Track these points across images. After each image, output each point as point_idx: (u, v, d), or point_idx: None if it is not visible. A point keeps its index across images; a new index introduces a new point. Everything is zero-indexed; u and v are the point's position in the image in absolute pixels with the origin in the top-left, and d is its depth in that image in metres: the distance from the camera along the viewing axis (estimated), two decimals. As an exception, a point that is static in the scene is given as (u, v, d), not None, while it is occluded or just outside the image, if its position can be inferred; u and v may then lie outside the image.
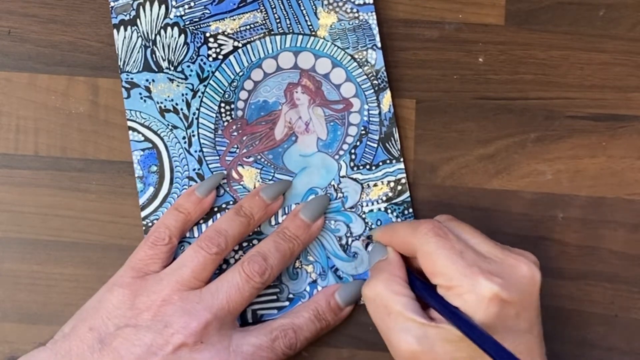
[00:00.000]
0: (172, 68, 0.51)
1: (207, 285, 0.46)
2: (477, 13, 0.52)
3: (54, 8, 0.52)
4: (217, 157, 0.51)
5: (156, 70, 0.51)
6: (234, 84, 0.51)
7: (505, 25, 0.52)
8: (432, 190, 0.51)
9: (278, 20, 0.51)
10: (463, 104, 0.51)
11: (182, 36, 0.51)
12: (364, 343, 0.50)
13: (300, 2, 0.51)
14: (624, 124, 0.51)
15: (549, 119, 0.51)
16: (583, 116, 0.51)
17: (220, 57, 0.51)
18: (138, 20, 0.51)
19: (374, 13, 0.51)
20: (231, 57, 0.51)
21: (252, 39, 0.51)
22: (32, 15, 0.52)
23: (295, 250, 0.48)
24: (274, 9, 0.51)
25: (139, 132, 0.51)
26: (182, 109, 0.51)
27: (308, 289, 0.50)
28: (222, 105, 0.51)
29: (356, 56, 0.51)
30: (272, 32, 0.51)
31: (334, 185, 0.51)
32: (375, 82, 0.51)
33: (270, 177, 0.51)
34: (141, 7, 0.51)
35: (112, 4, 0.51)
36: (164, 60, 0.51)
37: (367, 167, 0.51)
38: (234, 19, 0.51)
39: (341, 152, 0.51)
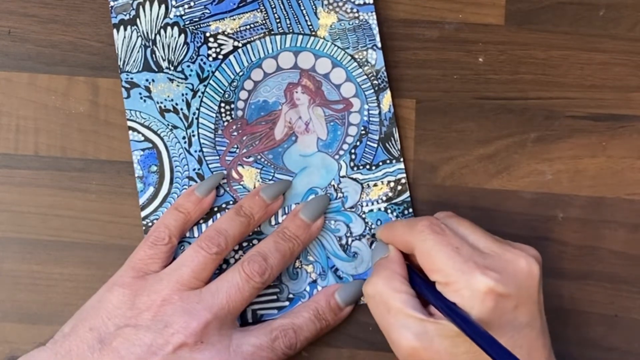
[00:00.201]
0: (172, 68, 0.51)
1: (207, 285, 0.46)
2: (477, 13, 0.52)
3: (54, 8, 0.52)
4: (217, 157, 0.51)
5: (156, 70, 0.51)
6: (234, 83, 0.51)
7: (505, 25, 0.52)
8: (432, 190, 0.51)
9: (278, 20, 0.51)
10: (463, 104, 0.51)
11: (182, 36, 0.51)
12: (364, 343, 0.50)
13: (300, 2, 0.51)
14: (624, 124, 0.51)
15: (549, 119, 0.51)
16: (583, 116, 0.51)
17: (220, 57, 0.51)
18: (138, 20, 0.51)
19: (374, 13, 0.51)
20: (231, 57, 0.51)
21: (252, 38, 0.51)
22: (32, 15, 0.52)
23: (295, 250, 0.48)
24: (274, 9, 0.51)
25: (139, 132, 0.51)
26: (182, 109, 0.51)
27: (308, 289, 0.50)
28: (222, 105, 0.51)
29: (356, 56, 0.51)
30: (272, 32, 0.51)
31: (334, 185, 0.51)
32: (375, 82, 0.51)
33: (270, 177, 0.51)
34: (141, 7, 0.51)
35: (111, 3, 0.51)
36: (164, 60, 0.51)
37: (367, 167, 0.51)
38: (234, 19, 0.51)
39: (341, 152, 0.51)
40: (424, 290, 0.44)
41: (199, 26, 0.51)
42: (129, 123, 0.51)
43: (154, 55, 0.51)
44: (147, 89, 0.51)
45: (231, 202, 0.50)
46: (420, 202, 0.51)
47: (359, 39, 0.51)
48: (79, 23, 0.52)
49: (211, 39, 0.51)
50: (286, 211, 0.50)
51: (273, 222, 0.50)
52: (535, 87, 0.52)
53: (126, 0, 0.51)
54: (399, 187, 0.51)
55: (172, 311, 0.45)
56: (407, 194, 0.51)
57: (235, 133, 0.51)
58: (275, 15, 0.51)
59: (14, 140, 0.51)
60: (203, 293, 0.46)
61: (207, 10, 0.51)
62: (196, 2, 0.51)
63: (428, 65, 0.52)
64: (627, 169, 0.51)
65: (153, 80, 0.51)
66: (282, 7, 0.51)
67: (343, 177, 0.51)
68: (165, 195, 0.50)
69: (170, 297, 0.45)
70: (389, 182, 0.51)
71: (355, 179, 0.51)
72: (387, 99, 0.51)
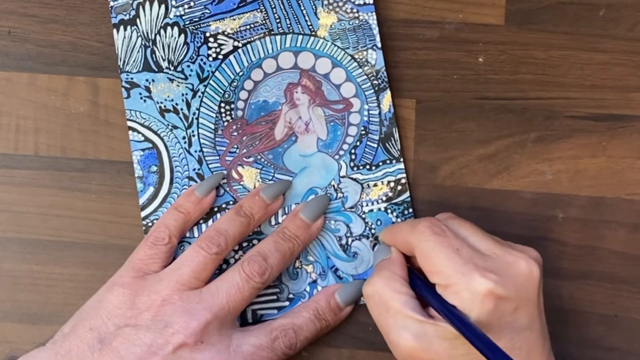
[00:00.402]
0: (172, 68, 0.51)
1: (207, 285, 0.46)
2: (477, 13, 0.52)
3: (54, 8, 0.52)
4: (217, 157, 0.51)
5: (156, 70, 0.51)
6: (234, 84, 0.51)
7: (505, 25, 0.52)
8: (432, 190, 0.51)
9: (278, 20, 0.51)
10: (463, 104, 0.51)
11: (182, 36, 0.51)
12: (364, 343, 0.50)
13: (300, 2, 0.51)
14: (624, 124, 0.51)
15: (549, 119, 0.51)
16: (583, 116, 0.51)
17: (220, 57, 0.51)
18: (138, 20, 0.51)
19: (374, 13, 0.51)
20: (231, 57, 0.51)
21: (252, 38, 0.51)
22: (32, 15, 0.52)
23: (295, 250, 0.48)
24: (274, 9, 0.51)
25: (139, 132, 0.51)
26: (182, 109, 0.51)
27: (308, 289, 0.50)
28: (222, 105, 0.51)
29: (356, 56, 0.51)
30: (272, 32, 0.51)
31: (334, 185, 0.51)
32: (375, 82, 0.51)
33: (270, 177, 0.51)
34: (141, 7, 0.51)
35: (111, 3, 0.51)
36: (163, 60, 0.51)
37: (367, 167, 0.51)
38: (234, 19, 0.51)
39: (341, 152, 0.51)
40: (423, 291, 0.44)
41: (199, 26, 0.51)
42: (129, 123, 0.51)
43: (154, 55, 0.51)
44: (147, 89, 0.51)
45: (231, 202, 0.50)
46: (420, 202, 0.51)
47: (359, 39, 0.51)
48: (79, 23, 0.52)
49: (211, 39, 0.51)
50: (286, 211, 0.50)
51: (273, 222, 0.50)
52: (535, 87, 0.52)
53: (126, 0, 0.51)
54: (399, 187, 0.51)
55: (172, 311, 0.45)
56: (407, 194, 0.51)
57: (235, 133, 0.51)
58: (275, 15, 0.51)
59: (14, 140, 0.51)
60: (203, 293, 0.46)
61: (207, 10, 0.51)
62: (196, 2, 0.51)
63: (428, 65, 0.52)
64: (627, 169, 0.51)
65: (153, 80, 0.51)
66: (282, 7, 0.51)
67: (343, 177, 0.51)
68: (165, 196, 0.50)
69: (170, 297, 0.45)
70: (389, 182, 0.51)
71: (355, 179, 0.51)
72: (387, 99, 0.51)
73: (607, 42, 0.52)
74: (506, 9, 0.52)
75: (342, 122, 0.51)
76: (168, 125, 0.51)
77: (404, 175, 0.51)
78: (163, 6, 0.51)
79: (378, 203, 0.51)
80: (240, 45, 0.51)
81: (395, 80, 0.51)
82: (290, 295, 0.50)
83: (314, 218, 0.49)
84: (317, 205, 0.50)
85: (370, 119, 0.51)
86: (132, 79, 0.51)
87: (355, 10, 0.51)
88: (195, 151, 0.51)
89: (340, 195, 0.51)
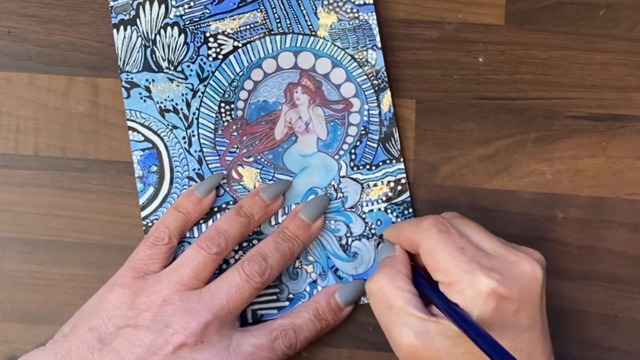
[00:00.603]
0: (172, 68, 0.51)
1: (207, 286, 0.46)
2: (477, 13, 0.52)
3: (54, 8, 0.52)
4: (217, 157, 0.51)
5: (156, 70, 0.51)
6: (234, 83, 0.51)
7: (505, 25, 0.52)
8: (432, 190, 0.51)
9: (278, 20, 0.51)
10: (463, 104, 0.51)
11: (182, 36, 0.51)
12: (364, 343, 0.50)
13: (300, 2, 0.51)
14: (624, 124, 0.51)
15: (549, 119, 0.51)
16: (583, 116, 0.51)
17: (220, 57, 0.51)
18: (138, 20, 0.51)
19: (374, 13, 0.51)
20: (231, 57, 0.51)
21: (252, 38, 0.51)
22: (32, 15, 0.52)
23: (295, 250, 0.48)
24: (274, 9, 0.51)
25: (139, 132, 0.51)
26: (182, 109, 0.51)
27: (308, 289, 0.50)
28: (222, 105, 0.51)
29: (356, 56, 0.51)
30: (272, 32, 0.51)
31: (334, 185, 0.51)
32: (375, 82, 0.51)
33: (270, 177, 0.51)
34: (141, 7, 0.51)
35: (111, 3, 0.51)
36: (163, 60, 0.51)
37: (367, 167, 0.51)
38: (234, 19, 0.51)
39: (341, 152, 0.51)
40: (426, 289, 0.44)
41: (199, 26, 0.51)
42: (129, 123, 0.51)
43: (154, 55, 0.51)
44: (147, 89, 0.51)
45: (231, 202, 0.50)
46: (420, 202, 0.51)
47: (359, 39, 0.51)
48: (79, 23, 0.52)
49: (211, 39, 0.51)
50: (286, 211, 0.50)
51: (273, 222, 0.50)
52: (535, 87, 0.52)
53: (126, 0, 0.51)
54: (399, 187, 0.51)
55: (172, 311, 0.45)
56: (407, 194, 0.51)
57: (235, 133, 0.51)
58: (275, 15, 0.51)
59: (14, 140, 0.51)
60: (203, 293, 0.46)
61: (207, 10, 0.51)
62: (196, 2, 0.51)
63: (428, 65, 0.52)
64: (627, 169, 0.51)
65: (153, 80, 0.51)
66: (282, 7, 0.51)
67: (343, 177, 0.51)
68: (165, 196, 0.50)
69: (170, 297, 0.45)
70: (389, 182, 0.51)
71: (355, 179, 0.51)
72: (387, 99, 0.51)
73: (607, 42, 0.52)
74: (506, 9, 0.52)
75: (342, 122, 0.51)
76: (168, 125, 0.51)
77: (404, 175, 0.51)
78: (163, 6, 0.51)
79: (378, 203, 0.51)
80: (240, 45, 0.51)
81: (395, 80, 0.51)
82: (290, 295, 0.50)
83: (314, 218, 0.49)
84: (317, 205, 0.50)
85: (370, 119, 0.51)
86: (132, 79, 0.51)
87: (355, 10, 0.51)
88: (195, 151, 0.51)
89: (340, 195, 0.51)
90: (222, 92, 0.51)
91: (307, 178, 0.51)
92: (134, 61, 0.51)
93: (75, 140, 0.51)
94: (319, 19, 0.51)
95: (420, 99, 0.52)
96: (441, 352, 0.42)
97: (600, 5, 0.52)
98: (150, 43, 0.51)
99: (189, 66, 0.51)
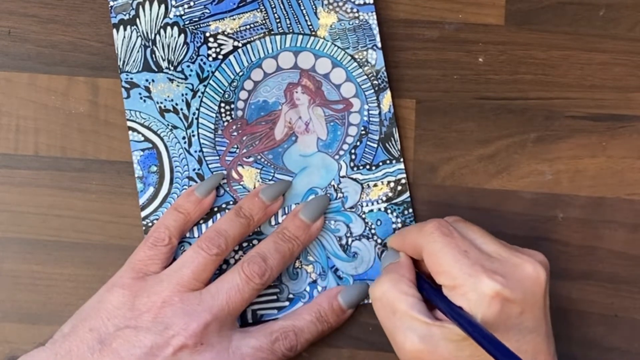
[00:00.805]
0: (172, 68, 0.51)
1: (207, 287, 0.46)
2: (477, 13, 0.52)
3: (54, 8, 0.52)
4: (217, 157, 0.51)
5: (156, 70, 0.51)
6: (234, 84, 0.51)
7: (505, 25, 0.52)
8: (432, 190, 0.51)
9: (278, 20, 0.51)
10: (463, 104, 0.51)
11: (182, 36, 0.51)
12: (364, 343, 0.50)
13: (300, 2, 0.51)
14: (624, 124, 0.51)
15: (549, 119, 0.51)
16: (583, 116, 0.51)
17: (220, 57, 0.51)
18: (137, 19, 0.51)
19: (374, 13, 0.51)
20: (231, 57, 0.51)
21: (252, 38, 0.51)
22: (32, 15, 0.52)
23: (295, 251, 0.48)
24: (274, 9, 0.51)
25: (138, 132, 0.51)
26: (182, 109, 0.51)
27: (308, 289, 0.50)
28: (222, 105, 0.51)
29: (356, 56, 0.51)
30: (272, 32, 0.51)
31: (334, 185, 0.51)
32: (375, 82, 0.51)
33: (270, 177, 0.51)
34: (141, 7, 0.51)
35: (111, 3, 0.51)
36: (163, 60, 0.51)
37: (367, 167, 0.51)
38: (234, 19, 0.51)
39: (341, 152, 0.51)
40: (430, 294, 0.44)
41: (198, 26, 0.51)
42: (129, 123, 0.51)
43: (153, 55, 0.51)
44: (147, 89, 0.51)
45: (231, 203, 0.50)
46: (420, 202, 0.51)
47: (359, 39, 0.51)
48: (79, 23, 0.52)
49: (211, 39, 0.51)
50: (286, 211, 0.50)
51: (273, 223, 0.50)
52: (535, 87, 0.52)
53: (126, 0, 0.51)
54: (399, 187, 0.51)
55: (172, 313, 0.45)
56: (407, 194, 0.51)
57: (235, 133, 0.51)
58: (275, 15, 0.51)
59: (14, 140, 0.51)
60: (203, 294, 0.46)
61: (207, 10, 0.51)
62: (196, 2, 0.51)
63: (428, 65, 0.52)
64: (627, 169, 0.51)
65: (153, 80, 0.51)
66: (282, 7, 0.51)
67: (343, 177, 0.51)
68: (165, 196, 0.50)
69: (170, 298, 0.45)
70: (389, 182, 0.51)
71: (355, 179, 0.51)
72: (387, 99, 0.51)
73: (607, 42, 0.52)
74: (506, 9, 0.52)
75: (342, 122, 0.51)
76: (168, 125, 0.51)
77: (404, 175, 0.51)
78: (163, 6, 0.51)
79: (378, 203, 0.51)
80: (240, 45, 0.51)
81: (395, 80, 0.51)
82: (290, 296, 0.50)
83: (313, 218, 0.49)
84: (317, 206, 0.49)
85: (370, 119, 0.51)
86: (132, 79, 0.51)
87: (355, 10, 0.51)
88: (195, 151, 0.51)
89: (340, 195, 0.51)
90: (222, 92, 0.51)
91: (307, 178, 0.51)
92: (133, 61, 0.51)
93: (75, 140, 0.51)
94: (319, 18, 0.51)
95: (420, 99, 0.51)
96: (446, 356, 0.42)
97: (600, 5, 0.52)
98: (150, 43, 0.51)
99: (188, 66, 0.51)
